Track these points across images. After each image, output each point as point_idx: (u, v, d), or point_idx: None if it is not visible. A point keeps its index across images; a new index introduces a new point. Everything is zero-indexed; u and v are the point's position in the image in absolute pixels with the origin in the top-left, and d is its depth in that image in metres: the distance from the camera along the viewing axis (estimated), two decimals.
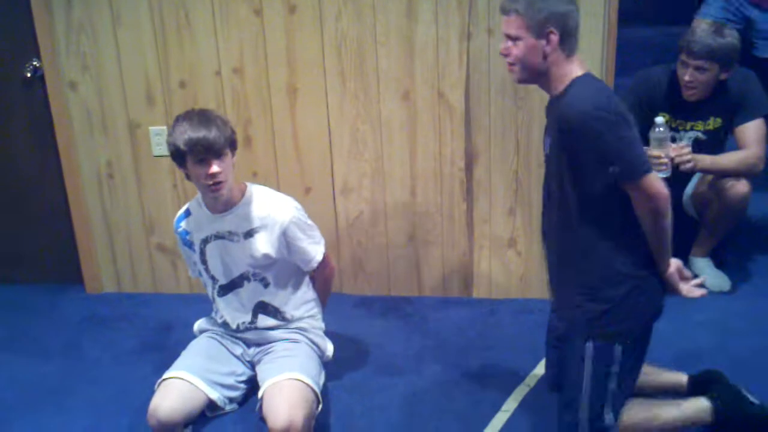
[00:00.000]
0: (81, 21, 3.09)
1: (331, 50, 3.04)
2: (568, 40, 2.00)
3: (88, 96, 3.20)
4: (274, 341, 2.54)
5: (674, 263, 2.12)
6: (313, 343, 2.57)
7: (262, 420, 2.30)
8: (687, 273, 2.16)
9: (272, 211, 2.44)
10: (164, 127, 3.15)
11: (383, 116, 3.10)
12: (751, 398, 2.36)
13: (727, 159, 3.08)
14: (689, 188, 3.30)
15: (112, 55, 3.13)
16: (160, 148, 3.17)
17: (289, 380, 2.34)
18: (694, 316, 2.99)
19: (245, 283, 2.50)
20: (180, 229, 2.55)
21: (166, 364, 2.48)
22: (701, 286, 2.17)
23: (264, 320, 2.53)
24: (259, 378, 2.47)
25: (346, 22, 3.00)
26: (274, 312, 2.54)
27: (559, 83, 2.04)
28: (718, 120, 3.13)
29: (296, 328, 2.55)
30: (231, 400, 2.51)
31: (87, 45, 3.12)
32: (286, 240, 2.45)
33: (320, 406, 2.40)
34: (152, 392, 2.37)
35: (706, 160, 3.02)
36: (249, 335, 2.56)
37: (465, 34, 2.96)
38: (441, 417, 2.60)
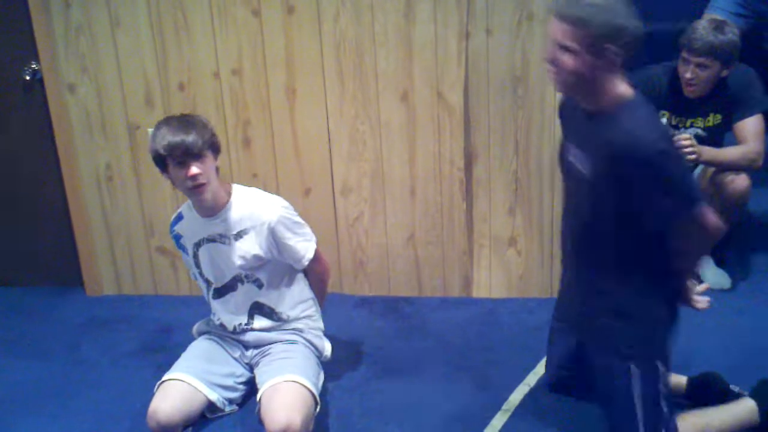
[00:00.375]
0: (79, 23, 3.09)
1: (330, 51, 3.04)
2: (623, 57, 1.88)
3: (87, 98, 3.20)
4: (272, 343, 2.54)
5: None
6: (311, 343, 2.57)
7: (261, 423, 2.30)
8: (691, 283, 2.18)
9: (259, 212, 2.44)
10: None
11: (382, 116, 3.10)
12: None
13: (729, 152, 3.09)
14: None
15: (111, 58, 3.13)
16: None
17: (287, 383, 2.34)
18: (694, 315, 2.97)
19: (239, 285, 2.50)
20: (174, 233, 2.56)
21: (166, 366, 2.49)
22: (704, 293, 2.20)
23: (260, 321, 2.54)
24: (257, 381, 2.48)
25: (344, 23, 2.99)
26: (269, 313, 2.54)
27: (605, 101, 1.93)
28: (718, 116, 3.13)
29: (293, 329, 2.56)
30: (230, 401, 2.52)
31: (86, 47, 3.12)
32: (274, 239, 2.45)
33: (318, 408, 2.40)
34: (152, 394, 2.37)
35: (709, 151, 3.03)
36: (246, 337, 2.56)
37: (463, 34, 2.96)
38: (441, 417, 2.59)
